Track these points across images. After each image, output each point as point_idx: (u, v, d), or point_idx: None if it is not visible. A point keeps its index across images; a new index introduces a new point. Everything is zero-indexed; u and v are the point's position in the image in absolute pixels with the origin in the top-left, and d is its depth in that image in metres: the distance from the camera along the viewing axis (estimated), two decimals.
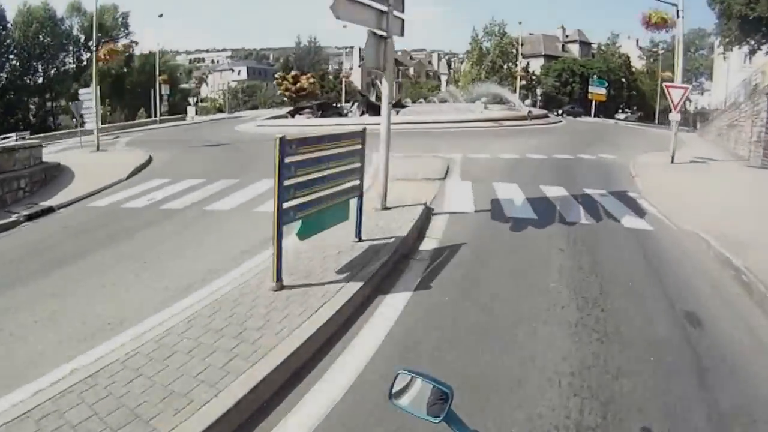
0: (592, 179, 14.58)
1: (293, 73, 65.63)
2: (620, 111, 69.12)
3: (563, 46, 75.26)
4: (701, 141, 31.01)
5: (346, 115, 36.77)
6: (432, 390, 1.47)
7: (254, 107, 71.50)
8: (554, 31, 78.88)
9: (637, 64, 73.89)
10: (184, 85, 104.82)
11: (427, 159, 16.78)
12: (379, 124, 9.89)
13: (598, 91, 48.35)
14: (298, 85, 60.63)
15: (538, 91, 57.29)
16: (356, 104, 38.18)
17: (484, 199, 11.34)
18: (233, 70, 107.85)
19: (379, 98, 43.70)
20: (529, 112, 35.50)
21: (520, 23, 55.74)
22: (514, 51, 58.91)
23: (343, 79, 70.60)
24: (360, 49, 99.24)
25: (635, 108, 71.35)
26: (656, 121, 70.00)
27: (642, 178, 14.53)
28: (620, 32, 70.03)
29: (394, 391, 1.54)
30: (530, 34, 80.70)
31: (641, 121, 67.88)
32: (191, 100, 60.48)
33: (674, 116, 18.22)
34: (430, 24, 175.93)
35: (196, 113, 55.69)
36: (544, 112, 40.46)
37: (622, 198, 12.15)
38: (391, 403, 1.54)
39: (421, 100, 49.01)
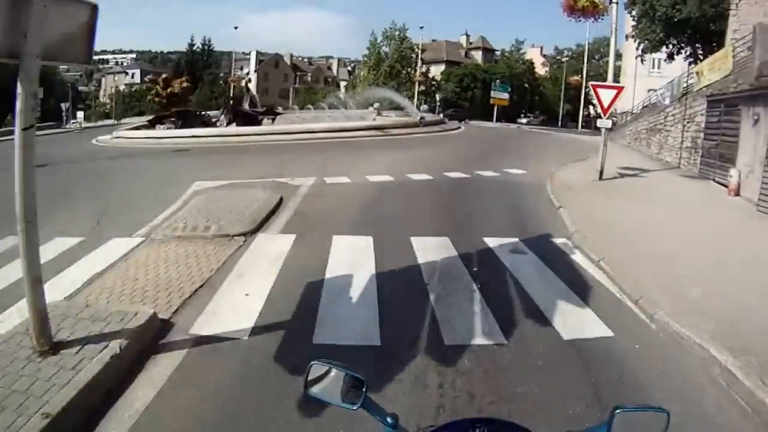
0: (496, 215, 9.52)
1: (164, 76, 57.48)
2: (523, 115, 67.48)
3: (466, 52, 72.88)
4: (615, 147, 27.89)
5: (214, 125, 30.36)
6: (346, 378, 1.49)
7: (141, 113, 62.35)
8: (458, 38, 76.85)
9: (541, 71, 73.16)
10: (83, 88, 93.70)
11: (256, 190, 10.88)
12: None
13: (500, 96, 45.07)
14: (169, 90, 52.54)
15: (438, 96, 53.53)
16: (224, 112, 31.75)
17: (293, 289, 5.65)
18: (126, 73, 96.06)
19: (254, 104, 37.73)
20: (422, 118, 30.27)
21: (421, 27, 51.96)
22: (414, 56, 55.21)
23: (232, 84, 63.09)
24: (257, 52, 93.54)
25: (537, 112, 70.10)
26: (559, 125, 69.81)
27: (569, 208, 9.65)
28: (525, 39, 68.41)
29: (309, 380, 1.52)
30: (433, 40, 77.94)
31: (544, 125, 66.68)
32: (88, 104, 50.45)
33: (604, 122, 13.92)
34: (336, 32, 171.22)
35: (85, 119, 46.37)
36: (440, 117, 35.23)
37: (548, 256, 7.04)
38: (307, 394, 1.52)
39: (310, 106, 43.34)
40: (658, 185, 13.79)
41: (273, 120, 31.30)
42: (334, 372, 1.50)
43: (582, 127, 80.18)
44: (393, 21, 57.25)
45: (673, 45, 28.22)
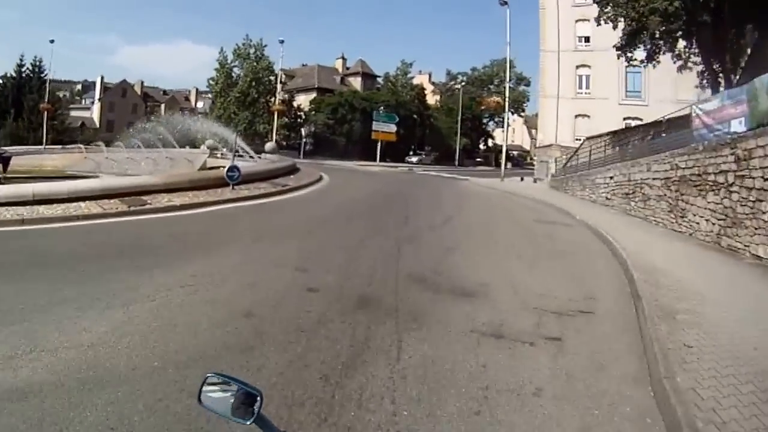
0: None
1: None
2: (412, 152, 57.18)
3: (342, 78, 61.85)
4: (576, 202, 17.01)
5: None
6: (239, 393, 1.49)
7: None
8: (333, 62, 65.85)
9: (431, 100, 63.84)
10: None
11: None
12: None
13: (385, 128, 34.75)
14: None
15: (304, 131, 41.13)
16: None
17: None
18: None
19: None
20: (232, 169, 15.20)
21: (281, 41, 39.48)
22: (273, 79, 42.71)
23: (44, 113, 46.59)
24: (102, 78, 75.73)
25: (429, 148, 60.40)
26: (456, 163, 60.67)
27: None
28: (414, 60, 58.33)
29: (203, 392, 1.54)
30: (303, 65, 66.26)
31: (438, 163, 56.71)
32: None
33: None
34: (197, 62, 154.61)
35: None
36: (287, 164, 20.24)
37: None
38: (199, 405, 1.53)
39: (119, 143, 29.21)
40: None
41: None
42: (228, 385, 1.51)
43: (478, 162, 73.07)
44: (247, 35, 44.45)
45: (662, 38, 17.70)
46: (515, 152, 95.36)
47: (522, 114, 77.54)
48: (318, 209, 13.55)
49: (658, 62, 18.98)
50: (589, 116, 36.54)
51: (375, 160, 50.26)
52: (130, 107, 75.35)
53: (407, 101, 52.99)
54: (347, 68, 65.02)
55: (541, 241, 10.34)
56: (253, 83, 41.50)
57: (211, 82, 42.93)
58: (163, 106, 78.54)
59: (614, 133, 23.44)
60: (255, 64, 42.47)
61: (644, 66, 20.28)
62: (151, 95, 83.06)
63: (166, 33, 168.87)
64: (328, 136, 45.35)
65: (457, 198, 18.16)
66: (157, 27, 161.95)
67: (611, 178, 16.08)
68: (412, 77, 56.09)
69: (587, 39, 36.05)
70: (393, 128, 32.03)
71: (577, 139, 36.58)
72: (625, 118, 34.82)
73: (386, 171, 28.94)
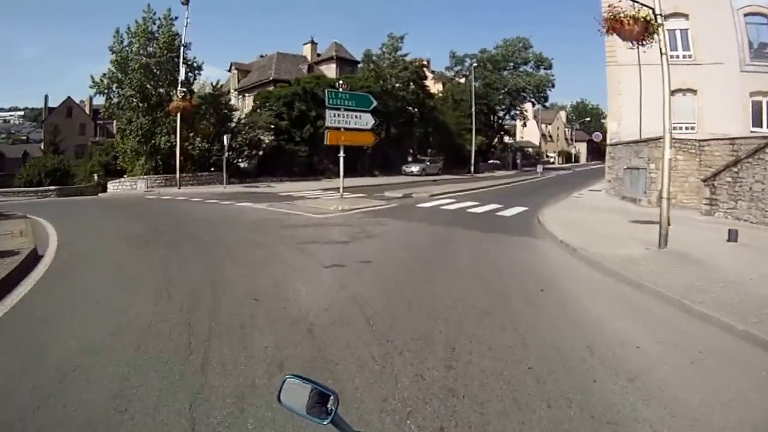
0: None
1: None
2: (412, 158, 43.11)
3: (311, 67, 47.10)
4: None
5: None
6: (314, 393, 1.55)
7: None
8: (300, 49, 51.75)
9: (432, 91, 49.25)
10: None
11: None
12: None
13: (351, 122, 16.95)
14: None
15: (227, 140, 25.49)
16: None
17: None
18: None
19: None
20: None
21: (185, 3, 25.24)
22: (183, 62, 27.52)
23: None
24: (46, 98, 62.32)
25: (433, 151, 46.04)
26: (471, 171, 46.49)
27: None
28: (403, 34, 42.27)
29: (282, 392, 1.61)
30: (261, 56, 52.11)
31: (448, 171, 42.42)
32: None
33: None
34: None
35: None
36: None
37: None
38: (279, 404, 1.61)
39: None
40: None
41: None
42: (305, 386, 1.58)
43: (496, 165, 59.02)
44: (149, 6, 29.22)
45: None
46: (529, 149, 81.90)
47: (545, 105, 63.31)
48: None
49: None
50: (695, 91, 22.60)
51: (359, 171, 35.98)
52: (77, 128, 63.99)
53: (398, 87, 38.55)
54: (318, 55, 50.74)
55: None
56: (152, 70, 27.05)
57: (97, 80, 27.85)
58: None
59: None
60: (159, 43, 27.83)
61: None
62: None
63: None
64: (281, 144, 31.46)
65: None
66: None
67: None
68: (407, 54, 41.13)
69: None
70: (367, 122, 17.23)
71: (676, 128, 22.70)
72: (752, 94, 21.70)
73: (339, 218, 14.01)
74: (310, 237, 10.34)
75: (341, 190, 17.71)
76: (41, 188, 30.18)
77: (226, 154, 25.58)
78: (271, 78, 41.12)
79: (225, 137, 25.45)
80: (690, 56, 22.87)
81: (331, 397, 1.51)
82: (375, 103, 18.69)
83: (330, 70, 46.30)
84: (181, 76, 26.33)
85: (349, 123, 16.89)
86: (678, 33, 23.11)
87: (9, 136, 66.99)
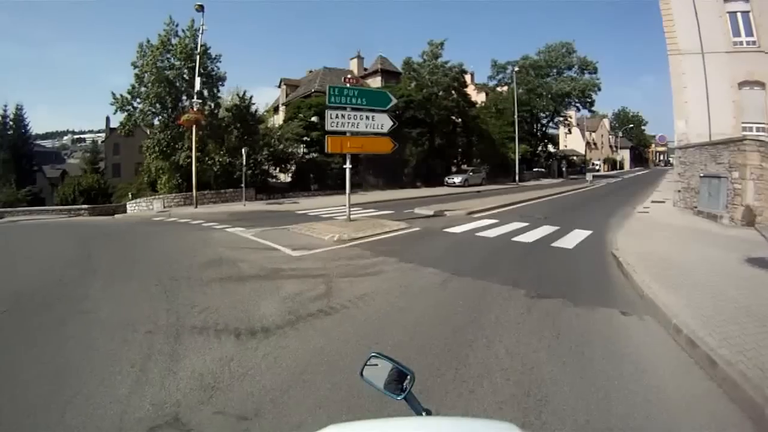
0: None
1: None
2: (456, 169, 38.39)
3: (357, 81, 43.93)
4: None
5: None
6: (394, 371, 1.63)
7: None
8: (346, 64, 48.68)
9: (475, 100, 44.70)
10: None
11: None
12: None
13: (360, 125, 12.60)
14: None
15: (245, 157, 21.36)
16: None
17: None
18: None
19: None
20: None
21: (200, 8, 21.91)
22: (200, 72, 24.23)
23: None
24: (108, 118, 61.41)
25: (477, 161, 41.29)
26: (516, 179, 41.72)
27: None
28: (443, 40, 35.46)
29: (365, 368, 1.68)
30: (310, 71, 49.34)
31: (492, 180, 37.77)
32: None
33: None
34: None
35: None
36: None
37: None
38: (361, 378, 1.67)
39: None
40: None
41: None
42: (386, 364, 1.65)
43: (541, 174, 53.35)
44: (170, 18, 25.04)
45: None
46: (574, 157, 75.45)
47: (593, 109, 56.78)
48: None
49: None
50: (763, 84, 17.55)
51: (401, 182, 32.27)
52: (137, 148, 60.41)
53: (441, 96, 34.15)
54: (365, 69, 47.36)
55: None
56: (173, 83, 24.08)
57: (119, 95, 24.44)
58: None
59: None
60: (176, 54, 24.80)
61: None
62: None
63: None
64: (313, 156, 27.80)
65: None
66: None
67: None
68: (447, 62, 36.52)
69: None
70: (382, 124, 13.18)
71: (745, 129, 17.68)
72: None
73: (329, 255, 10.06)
74: (221, 308, 5.71)
75: (348, 211, 13.36)
76: (74, 207, 27.95)
77: (245, 169, 21.82)
78: (313, 90, 37.85)
79: (243, 150, 21.86)
80: (754, 42, 17.78)
81: (408, 377, 1.58)
82: (394, 101, 14.44)
83: (375, 83, 42.45)
84: (197, 87, 22.90)
85: (358, 126, 12.66)
86: (739, 16, 18.12)
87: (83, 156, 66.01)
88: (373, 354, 1.68)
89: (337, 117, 12.45)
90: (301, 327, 5.02)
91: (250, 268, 8.01)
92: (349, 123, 12.56)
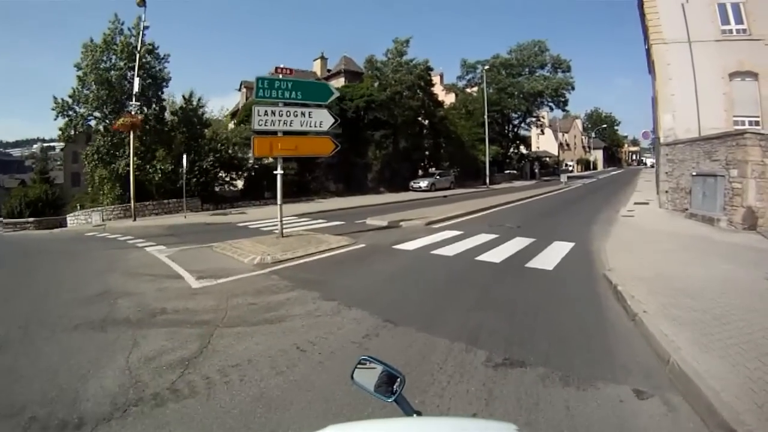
0: None
1: None
2: (422, 173, 36.34)
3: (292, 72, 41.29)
4: None
5: None
6: (383, 374, 1.56)
7: None
8: (309, 65, 46.34)
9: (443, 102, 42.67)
10: None
11: None
12: None
13: (294, 124, 10.66)
14: None
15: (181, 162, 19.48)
16: None
17: None
18: None
19: None
20: None
21: (141, 2, 19.28)
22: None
23: None
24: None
25: (445, 164, 38.95)
26: (486, 182, 39.77)
27: None
28: (408, 37, 33.67)
29: (355, 371, 1.61)
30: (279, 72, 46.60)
31: (461, 184, 35.78)
32: None
33: None
34: None
35: None
36: None
37: None
38: (351, 382, 1.59)
39: None
40: None
41: None
42: (376, 367, 1.59)
43: (513, 176, 51.55)
44: (116, 15, 22.23)
45: None
46: (547, 158, 74.50)
47: (566, 109, 55.30)
48: None
49: None
50: (755, 75, 16.05)
51: (364, 188, 30.07)
52: None
53: (405, 95, 31.97)
54: (328, 70, 45.09)
55: None
56: (113, 85, 21.48)
57: (60, 99, 21.94)
58: None
59: None
60: (117, 53, 21.77)
61: None
62: None
63: None
64: (265, 164, 24.42)
65: None
66: None
67: None
68: (413, 60, 34.30)
69: None
70: (321, 121, 11.25)
71: (737, 122, 16.21)
72: None
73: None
74: (52, 374, 3.78)
75: (280, 226, 11.10)
76: (20, 220, 24.86)
77: (186, 177, 19.45)
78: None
79: (183, 157, 19.33)
80: (745, 30, 16.39)
81: (398, 379, 1.53)
82: (336, 94, 12.15)
83: (339, 84, 40.38)
84: (135, 88, 20.21)
85: (291, 124, 10.47)
86: (728, 5, 16.76)
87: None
88: (362, 357, 1.61)
89: (266, 114, 10.39)
90: (133, 419, 3.08)
91: (128, 307, 5.93)
92: (280, 121, 10.44)
